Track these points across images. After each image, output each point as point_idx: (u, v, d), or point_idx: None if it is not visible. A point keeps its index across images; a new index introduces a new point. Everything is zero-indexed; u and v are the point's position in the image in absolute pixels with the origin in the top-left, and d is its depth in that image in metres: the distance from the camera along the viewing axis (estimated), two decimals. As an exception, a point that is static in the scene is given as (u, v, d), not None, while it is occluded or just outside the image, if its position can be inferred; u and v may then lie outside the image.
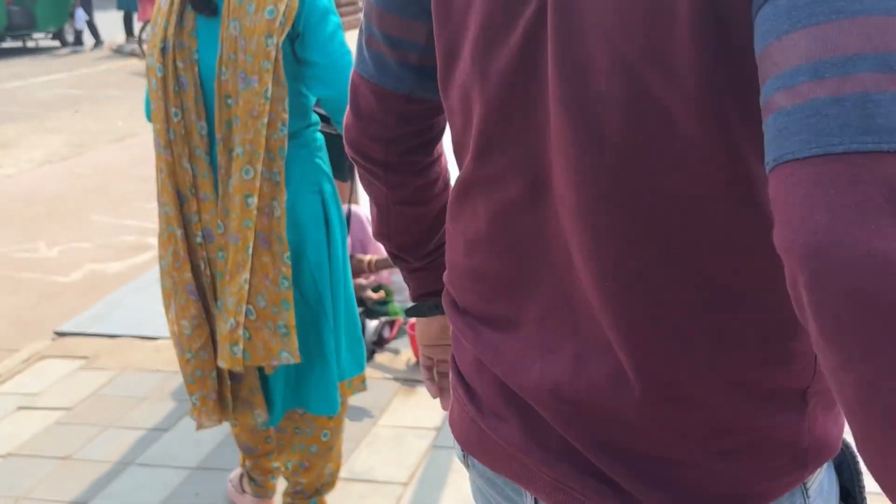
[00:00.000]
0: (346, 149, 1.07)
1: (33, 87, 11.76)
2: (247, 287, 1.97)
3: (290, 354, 2.00)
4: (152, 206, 6.07)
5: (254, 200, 1.93)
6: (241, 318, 1.98)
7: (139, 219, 5.79)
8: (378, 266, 3.46)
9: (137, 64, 13.25)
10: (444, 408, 1.17)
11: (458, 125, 0.89)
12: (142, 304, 4.06)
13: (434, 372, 1.20)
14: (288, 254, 1.97)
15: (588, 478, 0.80)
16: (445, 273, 0.99)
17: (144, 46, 12.75)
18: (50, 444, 2.90)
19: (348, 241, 2.91)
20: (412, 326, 3.33)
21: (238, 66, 1.90)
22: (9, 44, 16.00)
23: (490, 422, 0.88)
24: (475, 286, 0.91)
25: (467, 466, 0.97)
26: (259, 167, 1.92)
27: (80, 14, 15.47)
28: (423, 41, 0.93)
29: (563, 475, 0.82)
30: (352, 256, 3.39)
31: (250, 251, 1.96)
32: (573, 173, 0.75)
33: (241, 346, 1.99)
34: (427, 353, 1.20)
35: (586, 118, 0.73)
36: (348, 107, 1.03)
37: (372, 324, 3.40)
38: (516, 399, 0.86)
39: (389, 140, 1.01)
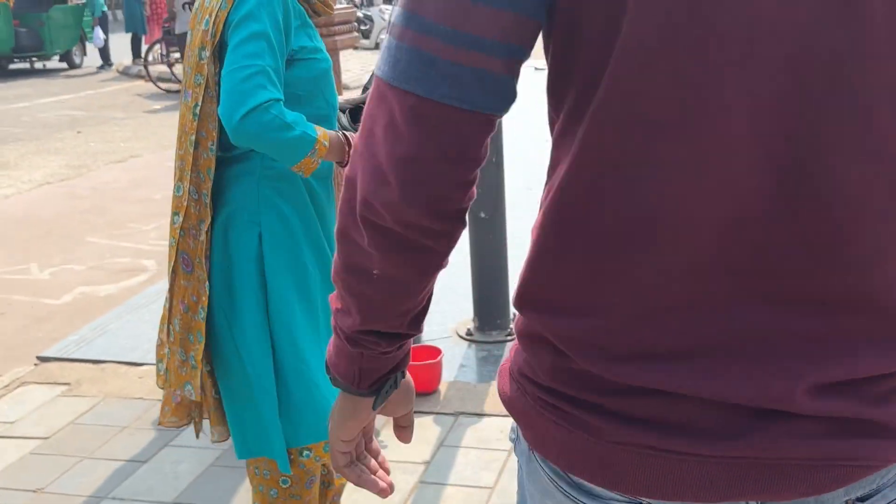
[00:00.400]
0: (409, 217, 0.78)
1: (38, 108, 11.75)
2: (167, 306, 1.90)
3: (192, 390, 1.88)
4: (149, 228, 6.00)
5: (179, 219, 1.84)
6: (164, 337, 1.91)
7: (135, 241, 5.69)
8: None
9: (143, 86, 13.24)
10: (373, 488, 1.03)
11: (661, 126, 0.75)
12: (129, 329, 3.96)
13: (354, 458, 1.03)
14: (208, 283, 1.85)
15: (859, 440, 0.79)
16: (588, 326, 0.81)
17: (150, 69, 12.84)
18: (22, 476, 2.78)
19: None
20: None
21: (184, 80, 1.83)
22: (17, 65, 16.05)
23: (718, 445, 0.79)
24: (665, 321, 0.79)
25: None
26: (187, 185, 1.81)
27: (98, 33, 15.49)
28: (529, 43, 0.77)
29: (834, 453, 0.79)
30: None
31: (171, 270, 1.88)
32: None
33: (164, 364, 1.92)
34: (347, 449, 1.00)
35: None
36: (422, 152, 0.76)
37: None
38: (751, 411, 0.79)
39: (471, 181, 0.80)
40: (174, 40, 12.37)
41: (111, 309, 4.33)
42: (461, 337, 3.59)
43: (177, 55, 12.55)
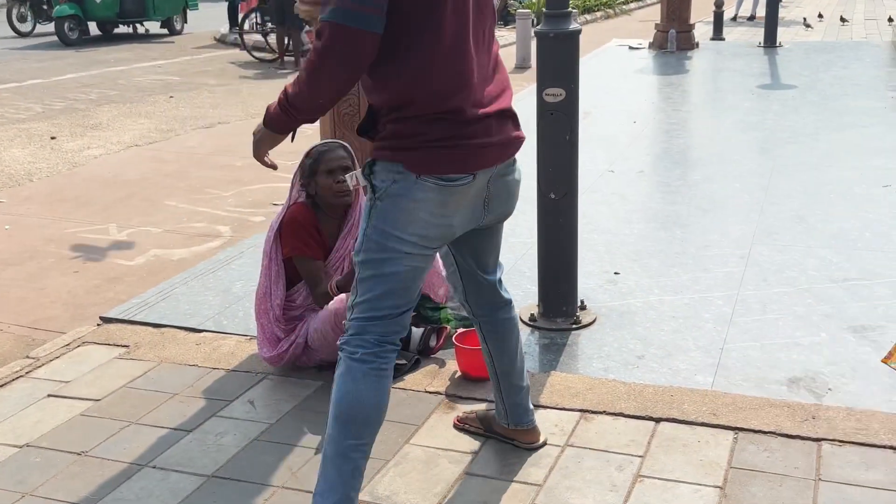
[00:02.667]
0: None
1: (135, 72, 12.00)
2: None
3: None
4: (228, 194, 6.02)
5: None
6: None
7: (212, 206, 5.71)
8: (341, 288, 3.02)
9: (238, 54, 13.39)
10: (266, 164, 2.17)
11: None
12: (191, 294, 3.93)
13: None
14: None
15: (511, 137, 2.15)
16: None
17: (246, 37, 12.96)
18: (69, 438, 2.76)
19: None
20: (459, 337, 3.07)
21: None
22: (121, 30, 16.47)
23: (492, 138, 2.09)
24: (478, 99, 2.09)
25: (471, 182, 2.06)
26: None
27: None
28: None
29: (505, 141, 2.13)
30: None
31: None
32: None
33: None
34: (264, 157, 2.16)
35: None
36: (360, 40, 1.89)
37: (417, 332, 3.16)
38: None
39: (377, 47, 1.95)
40: (269, 9, 12.43)
41: (180, 273, 4.33)
42: (524, 322, 3.41)
43: (272, 24, 12.62)
